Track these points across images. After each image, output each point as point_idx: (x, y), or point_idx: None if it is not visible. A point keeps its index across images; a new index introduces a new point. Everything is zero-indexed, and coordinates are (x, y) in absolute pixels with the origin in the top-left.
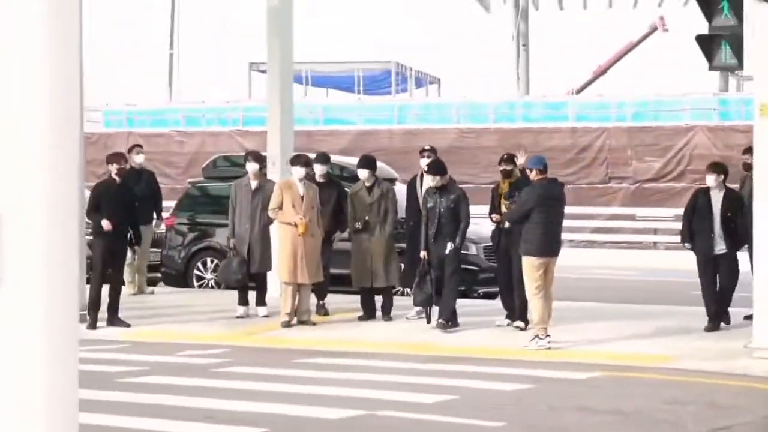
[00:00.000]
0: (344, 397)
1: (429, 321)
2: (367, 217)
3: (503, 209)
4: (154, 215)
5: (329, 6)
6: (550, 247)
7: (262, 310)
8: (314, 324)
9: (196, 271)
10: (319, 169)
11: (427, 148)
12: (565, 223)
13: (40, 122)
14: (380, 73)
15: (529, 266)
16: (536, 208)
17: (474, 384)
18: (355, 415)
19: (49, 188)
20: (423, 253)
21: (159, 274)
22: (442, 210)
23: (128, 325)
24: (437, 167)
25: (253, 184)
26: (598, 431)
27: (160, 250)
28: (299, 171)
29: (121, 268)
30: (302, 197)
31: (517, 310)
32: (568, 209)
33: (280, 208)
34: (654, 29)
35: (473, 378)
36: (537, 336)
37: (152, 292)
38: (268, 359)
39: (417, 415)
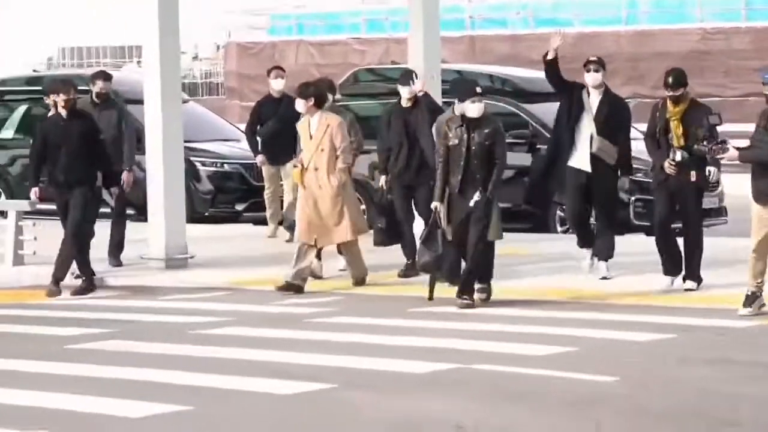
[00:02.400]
0: (438, 348)
1: (431, 297)
2: None
3: (675, 141)
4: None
5: None
6: None
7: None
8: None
9: None
10: (405, 92)
11: (593, 59)
12: None
13: None
14: None
15: None
16: None
17: (600, 334)
18: (447, 369)
19: None
20: (435, 204)
21: None
22: (473, 149)
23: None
24: (471, 89)
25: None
26: (727, 387)
27: None
28: (298, 103)
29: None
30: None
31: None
32: None
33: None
34: None
35: (601, 327)
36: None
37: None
38: (375, 309)
39: (518, 369)
